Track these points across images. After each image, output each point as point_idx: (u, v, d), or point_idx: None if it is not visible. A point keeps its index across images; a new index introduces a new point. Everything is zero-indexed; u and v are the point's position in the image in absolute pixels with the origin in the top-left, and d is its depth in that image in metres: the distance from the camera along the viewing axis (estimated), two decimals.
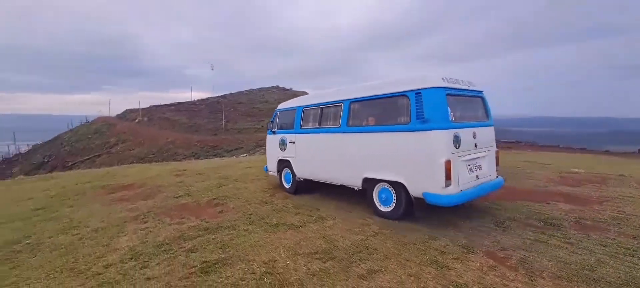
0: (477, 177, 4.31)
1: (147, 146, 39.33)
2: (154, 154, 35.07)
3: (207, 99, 63.24)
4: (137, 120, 53.14)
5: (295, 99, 6.56)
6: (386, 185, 4.53)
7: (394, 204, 4.47)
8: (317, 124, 5.58)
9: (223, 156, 29.03)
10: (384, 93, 4.44)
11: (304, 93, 63.83)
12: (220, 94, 66.30)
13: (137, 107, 57.15)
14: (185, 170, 10.62)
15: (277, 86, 72.22)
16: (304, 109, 5.94)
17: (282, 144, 6.45)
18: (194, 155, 31.76)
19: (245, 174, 8.97)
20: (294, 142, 6.08)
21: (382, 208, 4.65)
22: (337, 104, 5.17)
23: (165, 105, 60.04)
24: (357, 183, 4.90)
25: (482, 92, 4.77)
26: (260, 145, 30.11)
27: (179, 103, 60.64)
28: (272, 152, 6.84)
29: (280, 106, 6.91)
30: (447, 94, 3.99)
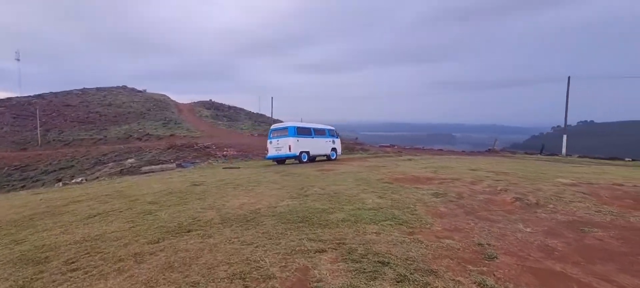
0: (307, 152, 13.82)
1: None
2: None
3: (10, 99, 45.15)
4: None
5: (290, 121, 14.33)
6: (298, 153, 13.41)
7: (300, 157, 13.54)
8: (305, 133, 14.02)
9: (39, 182, 19.35)
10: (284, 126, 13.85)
11: (163, 95, 53.70)
12: (35, 94, 48.53)
13: None
14: None
15: (125, 86, 58.57)
16: (298, 128, 13.67)
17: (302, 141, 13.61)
18: None
19: (95, 240, 4.17)
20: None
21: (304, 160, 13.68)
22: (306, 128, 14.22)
23: None
24: (296, 154, 13.25)
25: (293, 126, 13.42)
26: (106, 162, 21.80)
27: None
28: (296, 145, 13.16)
29: (297, 124, 13.84)
30: (297, 127, 13.61)
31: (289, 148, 12.88)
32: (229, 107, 49.99)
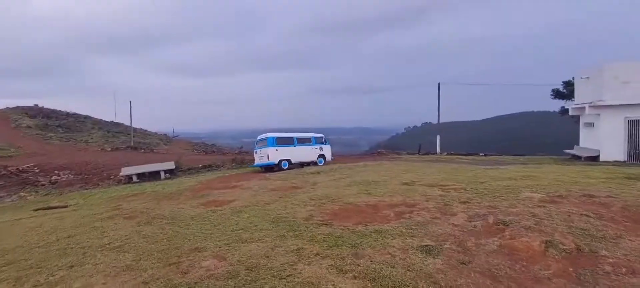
0: (288, 160, 14.34)
1: None
2: None
3: None
4: None
5: (270, 133, 14.85)
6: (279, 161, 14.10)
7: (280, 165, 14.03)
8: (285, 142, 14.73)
9: None
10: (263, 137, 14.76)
11: None
12: None
13: None
14: None
15: None
16: (278, 138, 14.47)
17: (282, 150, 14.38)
18: None
19: None
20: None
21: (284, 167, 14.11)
22: (288, 137, 14.94)
23: None
24: (274, 162, 13.93)
25: (273, 137, 14.38)
26: None
27: None
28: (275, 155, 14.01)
29: (278, 134, 14.75)
30: (277, 138, 14.46)
31: (268, 157, 13.79)
32: (68, 115, 38.10)
